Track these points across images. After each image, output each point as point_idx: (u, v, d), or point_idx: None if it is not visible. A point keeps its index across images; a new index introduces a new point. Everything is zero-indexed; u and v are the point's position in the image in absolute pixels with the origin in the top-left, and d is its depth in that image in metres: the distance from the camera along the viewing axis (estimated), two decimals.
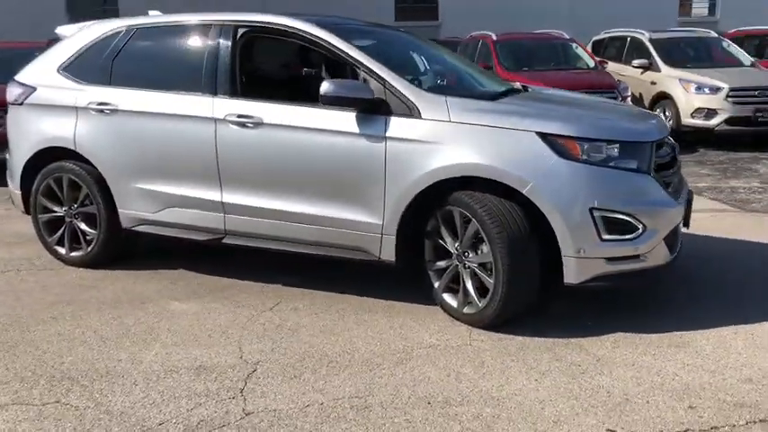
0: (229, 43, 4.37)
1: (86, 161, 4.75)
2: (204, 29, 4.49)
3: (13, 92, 5.07)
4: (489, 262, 3.65)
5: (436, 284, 3.97)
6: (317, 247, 4.19)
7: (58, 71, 4.91)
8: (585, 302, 4.07)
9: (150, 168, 4.54)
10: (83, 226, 4.88)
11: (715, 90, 10.08)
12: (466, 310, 3.82)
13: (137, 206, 4.65)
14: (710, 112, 10.01)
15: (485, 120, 3.72)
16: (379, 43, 4.46)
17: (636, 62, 11.39)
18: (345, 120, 3.95)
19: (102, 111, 4.65)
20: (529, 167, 3.57)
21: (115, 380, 3.28)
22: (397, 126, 3.83)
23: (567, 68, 10.89)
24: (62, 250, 4.98)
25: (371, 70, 3.95)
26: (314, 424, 2.87)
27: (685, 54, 11.62)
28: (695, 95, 10.20)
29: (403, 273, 4.21)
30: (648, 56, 11.41)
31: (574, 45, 11.65)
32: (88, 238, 4.87)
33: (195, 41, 4.53)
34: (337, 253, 4.15)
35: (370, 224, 3.96)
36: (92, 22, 5.06)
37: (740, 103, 9.96)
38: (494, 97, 4.14)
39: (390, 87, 3.88)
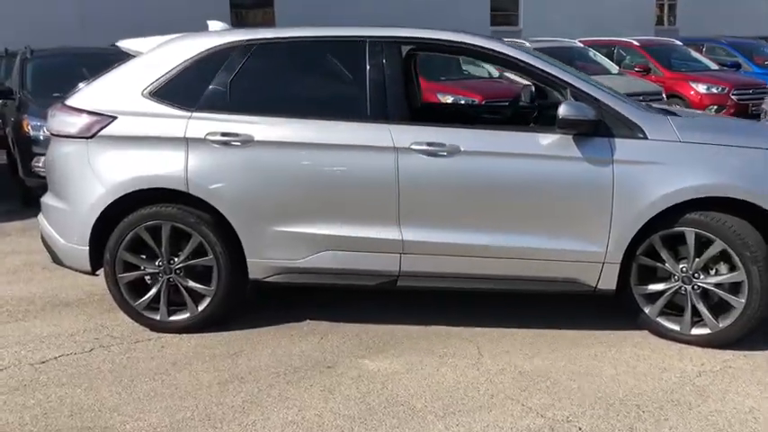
0: (397, 62, 3.86)
1: (201, 204, 3.90)
2: (356, 45, 3.91)
3: (73, 121, 3.99)
4: (734, 282, 3.64)
5: (647, 309, 3.86)
6: (515, 282, 3.88)
7: (143, 95, 3.96)
8: None
9: (300, 208, 3.86)
10: (191, 283, 4.00)
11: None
12: (695, 331, 3.76)
13: (276, 253, 3.92)
14: None
15: (715, 138, 3.72)
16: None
17: None
18: (562, 144, 3.70)
19: (227, 143, 3.84)
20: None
21: None
22: (623, 148, 3.67)
23: (477, 77, 11.15)
24: (156, 315, 4.04)
25: (583, 91, 3.74)
26: None
27: (566, 63, 12.53)
28: None
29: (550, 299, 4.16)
30: None
31: None
32: (198, 296, 4.02)
33: (346, 60, 3.94)
34: (540, 287, 3.88)
35: (590, 253, 3.75)
36: (174, 35, 4.16)
37: None
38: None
39: (606, 108, 3.71)
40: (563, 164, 3.70)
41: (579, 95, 3.73)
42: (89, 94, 4.05)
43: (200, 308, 4.01)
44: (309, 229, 3.87)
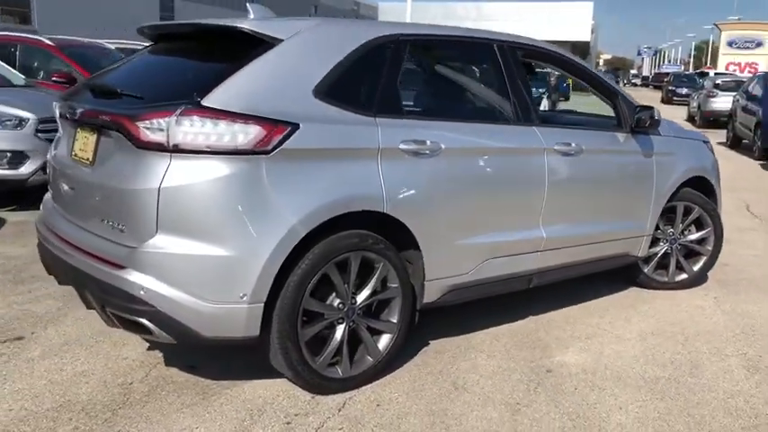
0: (522, 66, 3.96)
1: (390, 224, 3.30)
2: (489, 48, 3.83)
3: (238, 131, 2.82)
4: (703, 239, 5.02)
5: (645, 269, 4.95)
6: (593, 265, 4.45)
7: (315, 96, 3.08)
8: None
9: (475, 217, 3.65)
10: (372, 322, 3.33)
11: (19, 123, 6.68)
12: (678, 278, 5.03)
13: (450, 270, 3.59)
14: (18, 156, 6.65)
15: (684, 134, 5.01)
16: None
17: None
18: (629, 140, 4.45)
19: (417, 152, 3.34)
20: (710, 167, 5.12)
21: None
22: (655, 142, 4.64)
23: None
24: (336, 372, 3.23)
25: (628, 98, 4.55)
26: None
27: None
28: None
29: None
30: None
31: None
32: (376, 337, 3.38)
33: (488, 62, 3.82)
34: (607, 264, 4.56)
35: (640, 228, 4.63)
36: (320, 19, 3.29)
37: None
38: None
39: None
40: (632, 156, 4.48)
41: (626, 102, 4.52)
42: (241, 94, 2.91)
43: (383, 348, 3.38)
44: (480, 238, 3.69)
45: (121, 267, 2.86)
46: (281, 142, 2.90)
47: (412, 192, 3.32)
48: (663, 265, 5.02)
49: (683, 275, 5.05)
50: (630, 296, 4.88)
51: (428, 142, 3.38)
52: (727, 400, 3.37)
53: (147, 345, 3.70)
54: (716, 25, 47.90)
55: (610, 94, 4.54)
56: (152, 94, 3.03)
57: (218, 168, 2.82)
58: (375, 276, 3.28)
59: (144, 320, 2.86)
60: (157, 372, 3.42)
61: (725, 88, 22.51)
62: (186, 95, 2.87)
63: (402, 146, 3.28)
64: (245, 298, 2.88)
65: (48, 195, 3.78)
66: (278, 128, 2.90)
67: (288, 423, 2.98)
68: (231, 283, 2.87)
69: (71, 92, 3.71)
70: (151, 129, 2.81)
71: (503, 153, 3.75)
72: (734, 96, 17.13)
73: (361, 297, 3.26)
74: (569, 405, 3.25)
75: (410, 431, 2.97)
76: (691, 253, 5.08)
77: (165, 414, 3.02)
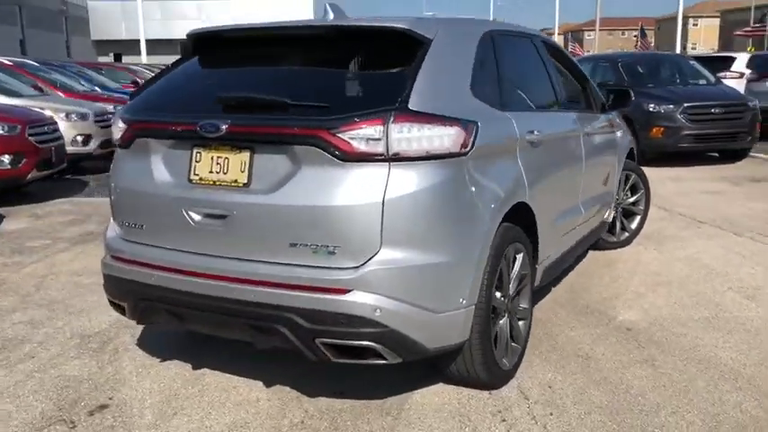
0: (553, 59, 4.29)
1: (523, 213, 3.42)
2: (530, 41, 4.09)
3: (445, 134, 2.73)
4: (637, 201, 5.83)
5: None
6: (594, 234, 4.98)
7: (472, 93, 3.08)
8: None
9: (561, 199, 3.97)
10: (519, 314, 3.45)
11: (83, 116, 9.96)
12: (621, 237, 5.80)
13: (548, 251, 3.83)
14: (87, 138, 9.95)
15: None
16: None
17: None
18: (603, 119, 5.03)
19: (533, 142, 3.50)
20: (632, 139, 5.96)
21: None
22: (614, 120, 5.29)
23: None
24: (504, 363, 3.29)
25: (593, 85, 5.12)
26: None
27: None
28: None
29: None
30: None
31: None
32: (521, 327, 3.50)
33: (536, 54, 4.06)
34: (598, 233, 5.12)
35: (612, 197, 5.27)
36: (436, 17, 3.21)
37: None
38: None
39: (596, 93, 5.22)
40: (609, 134, 5.08)
41: (594, 87, 5.09)
42: (428, 96, 2.80)
43: (524, 334, 3.51)
44: (562, 218, 4.00)
45: (344, 291, 2.62)
46: (474, 142, 2.89)
47: (535, 180, 3.48)
48: (609, 227, 5.74)
49: (626, 234, 5.83)
50: (596, 258, 5.51)
51: (536, 132, 3.56)
52: (766, 323, 4.10)
53: (260, 382, 3.35)
54: None
55: (583, 81, 5.07)
56: (336, 104, 2.77)
57: (434, 174, 2.73)
58: (518, 266, 3.38)
59: (373, 344, 2.67)
60: (312, 405, 3.14)
61: None
62: (380, 101, 2.72)
63: (527, 137, 3.42)
64: (463, 302, 2.83)
65: (115, 233, 3.21)
66: (471, 128, 2.88)
67: (504, 420, 2.98)
68: (454, 289, 2.81)
69: (150, 106, 3.17)
70: (360, 139, 2.62)
71: (567, 138, 4.09)
72: None
73: (512, 288, 3.35)
74: (679, 352, 3.69)
75: (603, 402, 3.15)
76: (627, 213, 5.88)
77: None
